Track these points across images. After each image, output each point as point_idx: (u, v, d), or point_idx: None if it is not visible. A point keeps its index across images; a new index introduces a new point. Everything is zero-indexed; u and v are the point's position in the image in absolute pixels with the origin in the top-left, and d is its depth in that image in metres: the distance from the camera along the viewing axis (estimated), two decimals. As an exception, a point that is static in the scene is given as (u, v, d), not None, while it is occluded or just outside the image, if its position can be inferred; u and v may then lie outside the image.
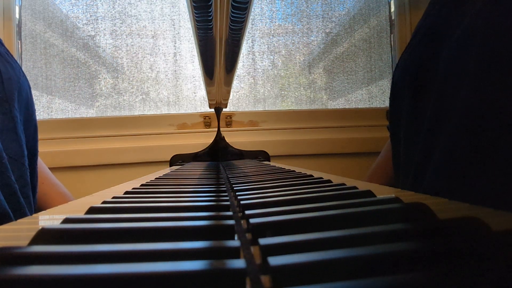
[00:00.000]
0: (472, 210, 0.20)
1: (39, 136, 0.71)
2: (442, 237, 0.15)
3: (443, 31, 0.45)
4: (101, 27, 1.13)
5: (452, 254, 0.13)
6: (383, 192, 0.28)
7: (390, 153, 0.66)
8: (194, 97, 1.16)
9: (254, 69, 1.18)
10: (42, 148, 0.79)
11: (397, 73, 0.55)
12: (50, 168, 0.79)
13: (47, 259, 0.15)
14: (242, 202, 0.25)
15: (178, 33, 1.15)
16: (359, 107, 1.19)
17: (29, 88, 0.60)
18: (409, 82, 0.50)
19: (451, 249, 0.13)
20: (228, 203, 0.25)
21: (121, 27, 1.13)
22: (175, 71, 1.15)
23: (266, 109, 1.17)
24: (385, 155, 0.73)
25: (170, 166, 0.97)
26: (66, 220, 0.21)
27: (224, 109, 1.00)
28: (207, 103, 0.90)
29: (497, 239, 0.14)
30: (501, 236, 0.15)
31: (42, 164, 0.72)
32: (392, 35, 1.20)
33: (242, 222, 0.22)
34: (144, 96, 1.15)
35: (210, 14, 0.40)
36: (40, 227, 0.18)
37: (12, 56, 0.58)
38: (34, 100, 0.67)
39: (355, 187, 0.30)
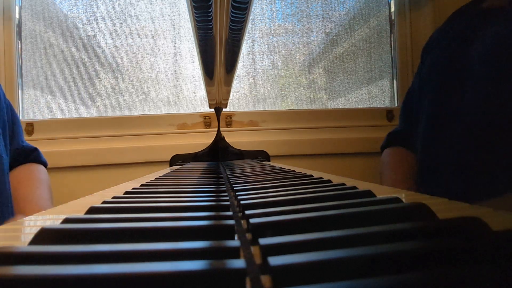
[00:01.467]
0: (472, 210, 0.20)
1: (39, 136, 0.71)
2: (442, 237, 0.15)
3: (472, 37, 0.49)
4: (101, 27, 1.13)
5: (452, 254, 0.13)
6: (383, 192, 0.28)
7: (398, 157, 0.68)
8: (194, 97, 1.16)
9: (254, 69, 1.18)
10: (42, 148, 0.79)
11: (424, 70, 0.59)
12: (50, 168, 0.79)
13: (47, 259, 0.15)
14: (242, 202, 0.25)
15: (178, 33, 1.15)
16: (359, 107, 1.19)
17: None
18: (437, 77, 0.54)
19: (451, 249, 0.13)
20: (228, 203, 0.25)
21: (121, 27, 1.13)
22: (175, 71, 1.15)
23: (266, 109, 1.17)
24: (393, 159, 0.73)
25: (170, 166, 0.97)
26: (66, 220, 0.21)
27: (224, 109, 1.00)
28: (207, 103, 0.90)
29: (497, 238, 0.14)
30: (501, 236, 0.15)
31: (35, 171, 0.71)
32: (392, 35, 1.20)
33: (242, 222, 0.22)
34: (144, 96, 1.15)
35: (210, 14, 0.40)
36: (40, 227, 0.18)
37: None
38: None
39: (355, 187, 0.30)
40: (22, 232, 0.19)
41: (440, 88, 0.53)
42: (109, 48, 1.14)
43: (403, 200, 0.23)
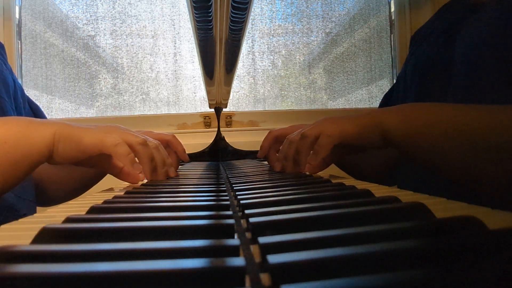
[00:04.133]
0: (469, 209, 0.20)
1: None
2: (440, 236, 0.16)
3: (456, 33, 0.49)
4: (101, 27, 1.13)
5: (449, 252, 0.13)
6: (381, 191, 0.28)
7: None
8: (194, 97, 1.16)
9: (254, 69, 1.18)
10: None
11: (410, 64, 0.59)
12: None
13: (49, 257, 0.15)
14: (241, 201, 0.25)
15: (178, 33, 1.15)
16: (359, 107, 1.19)
17: (15, 81, 0.60)
18: (421, 74, 0.55)
19: (449, 248, 0.14)
20: (228, 202, 0.25)
21: (121, 27, 1.13)
22: (175, 71, 1.15)
23: (266, 109, 1.17)
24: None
25: (170, 166, 0.97)
26: (68, 219, 0.21)
27: (224, 109, 1.00)
28: (207, 103, 0.90)
29: (494, 237, 0.14)
30: (497, 235, 0.15)
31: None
32: (392, 35, 1.21)
33: (242, 221, 0.22)
34: (144, 96, 1.15)
35: (210, 14, 0.40)
36: (42, 226, 0.18)
37: None
38: (33, 99, 0.67)
39: (353, 187, 0.30)
40: (24, 231, 0.19)
41: (424, 86, 0.53)
42: (109, 48, 1.14)
43: (401, 199, 0.23)
